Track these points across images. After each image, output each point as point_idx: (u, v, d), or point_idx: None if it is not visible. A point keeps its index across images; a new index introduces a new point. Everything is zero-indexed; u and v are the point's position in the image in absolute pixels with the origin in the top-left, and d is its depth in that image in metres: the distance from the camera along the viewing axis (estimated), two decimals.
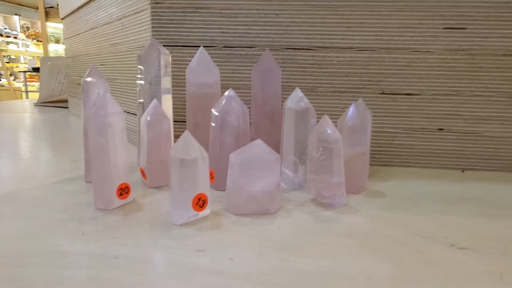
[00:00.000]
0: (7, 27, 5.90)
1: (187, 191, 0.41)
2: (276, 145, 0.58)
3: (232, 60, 0.65)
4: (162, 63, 0.57)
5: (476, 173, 0.64)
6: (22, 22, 6.17)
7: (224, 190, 0.46)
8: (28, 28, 6.22)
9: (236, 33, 0.64)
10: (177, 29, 0.65)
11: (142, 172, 0.54)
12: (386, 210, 0.46)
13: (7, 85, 5.10)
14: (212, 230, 0.40)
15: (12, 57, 6.01)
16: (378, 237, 0.39)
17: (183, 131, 0.65)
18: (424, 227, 0.41)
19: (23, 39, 5.97)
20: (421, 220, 0.43)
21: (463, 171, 0.65)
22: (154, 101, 0.53)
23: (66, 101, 1.46)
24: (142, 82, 0.58)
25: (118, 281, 0.30)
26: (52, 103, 1.56)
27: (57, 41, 5.34)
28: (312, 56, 0.64)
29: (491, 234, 0.40)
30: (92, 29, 0.97)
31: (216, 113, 0.51)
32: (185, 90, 0.59)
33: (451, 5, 0.60)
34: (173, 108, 0.63)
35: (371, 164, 0.66)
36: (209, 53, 0.63)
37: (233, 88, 0.65)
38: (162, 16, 0.65)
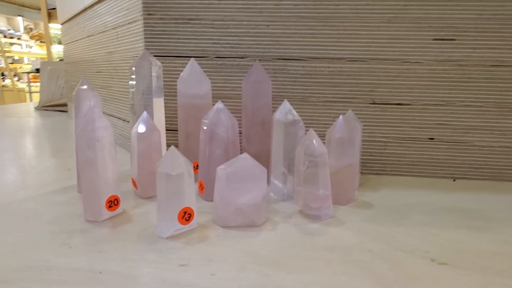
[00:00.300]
0: (10, 28, 5.94)
1: (173, 205, 0.41)
2: (266, 155, 0.59)
3: (224, 70, 0.66)
4: (153, 74, 0.58)
5: (467, 182, 0.64)
6: (26, 23, 6.21)
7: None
8: (31, 29, 6.26)
9: (227, 43, 0.65)
10: (169, 39, 0.66)
11: (134, 182, 0.55)
12: (372, 222, 0.47)
13: (11, 86, 5.14)
14: (197, 243, 0.41)
15: (16, 58, 6.05)
16: (361, 251, 0.39)
17: (175, 140, 0.66)
18: (408, 241, 0.42)
19: (27, 40, 6.01)
20: (406, 233, 0.44)
21: (454, 180, 0.65)
22: (145, 113, 0.53)
23: (66, 105, 1.48)
24: (134, 89, 0.59)
25: None
26: (52, 107, 1.58)
27: (60, 42, 5.37)
28: (303, 66, 0.65)
29: (472, 248, 0.41)
30: (88, 36, 0.98)
31: (205, 126, 0.52)
32: (177, 100, 0.60)
33: (440, 17, 0.60)
34: (166, 117, 0.64)
35: (362, 173, 0.66)
36: (201, 64, 0.64)
37: (225, 98, 0.66)
38: (155, 27, 0.66)
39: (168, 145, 0.65)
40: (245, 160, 0.45)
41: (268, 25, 0.64)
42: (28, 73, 4.89)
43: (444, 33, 0.61)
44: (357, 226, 0.46)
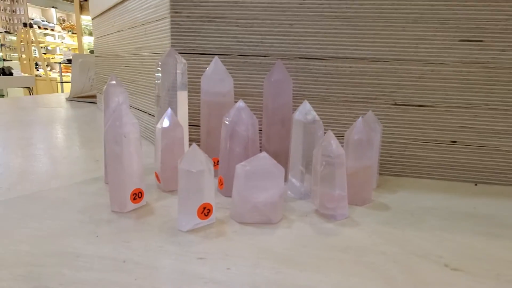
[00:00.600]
0: (44, 19, 6.16)
1: (193, 200, 0.43)
2: (285, 154, 0.60)
3: (246, 68, 0.67)
4: (178, 71, 0.60)
5: (488, 187, 0.63)
6: (59, 14, 6.42)
7: None
8: (64, 20, 6.47)
9: (251, 42, 0.66)
10: (194, 37, 0.68)
11: (157, 176, 0.58)
12: (387, 225, 0.47)
13: (44, 76, 5.35)
14: (215, 238, 0.43)
15: (49, 48, 6.28)
16: (374, 253, 0.40)
17: (197, 136, 0.68)
18: (422, 245, 0.42)
19: (59, 31, 6.22)
20: (420, 237, 0.44)
21: (476, 185, 0.64)
22: (169, 110, 0.56)
23: (95, 96, 1.53)
24: (160, 82, 0.61)
25: (123, 285, 0.33)
26: (83, 98, 1.64)
27: (90, 34, 5.53)
28: (325, 66, 0.65)
29: (488, 255, 0.40)
30: (118, 31, 1.02)
31: (226, 123, 0.53)
32: (200, 97, 0.62)
33: (468, 17, 0.59)
34: (189, 113, 0.66)
35: (381, 174, 0.66)
36: (225, 61, 0.65)
37: (247, 95, 0.67)
38: (181, 24, 0.67)
39: (190, 140, 0.68)
40: (264, 159, 0.46)
41: (291, 24, 0.64)
42: (60, 63, 5.07)
43: (472, 34, 0.59)
44: (371, 227, 0.46)
